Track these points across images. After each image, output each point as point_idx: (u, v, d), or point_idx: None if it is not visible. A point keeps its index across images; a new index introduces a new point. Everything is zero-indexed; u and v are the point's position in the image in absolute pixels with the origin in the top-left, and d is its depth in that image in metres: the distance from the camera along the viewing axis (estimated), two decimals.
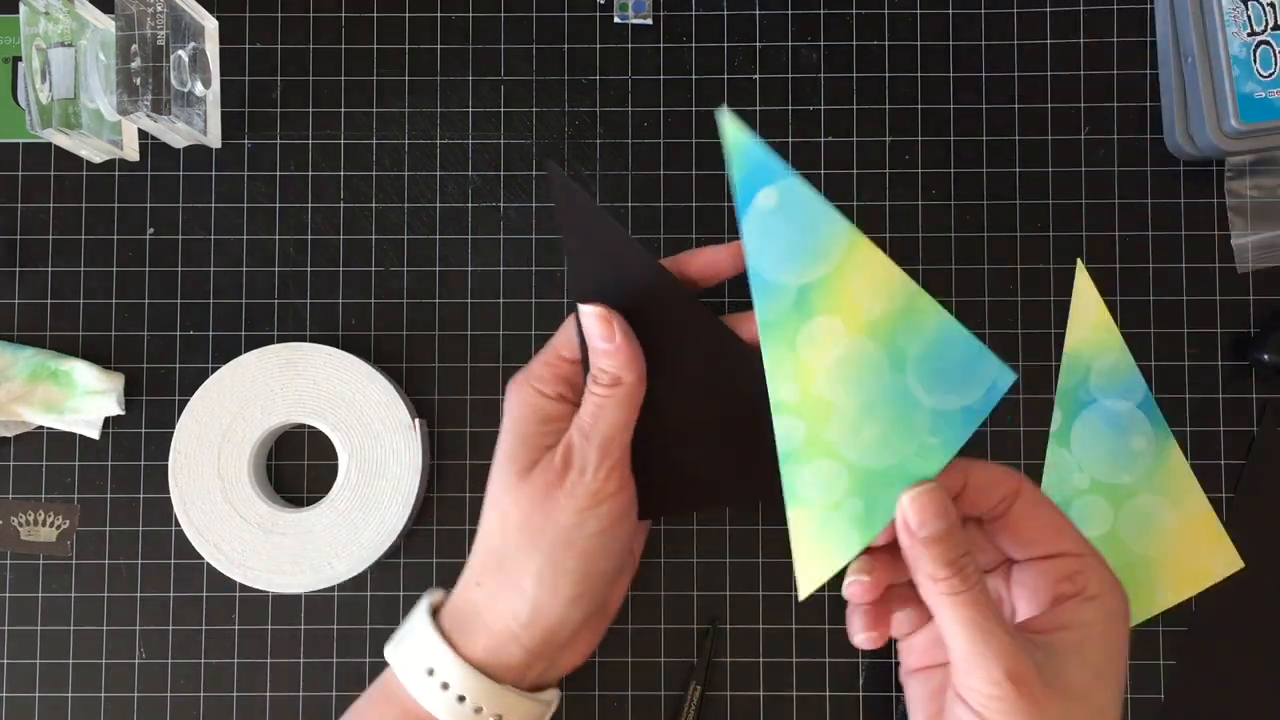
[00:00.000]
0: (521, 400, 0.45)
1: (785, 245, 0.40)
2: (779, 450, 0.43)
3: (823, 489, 0.42)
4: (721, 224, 0.54)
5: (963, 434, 0.41)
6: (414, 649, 0.45)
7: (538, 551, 0.44)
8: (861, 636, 0.42)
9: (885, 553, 0.42)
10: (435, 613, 0.46)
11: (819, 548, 0.42)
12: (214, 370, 0.53)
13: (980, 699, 0.39)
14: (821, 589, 0.53)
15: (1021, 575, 0.44)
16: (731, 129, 0.39)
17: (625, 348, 0.44)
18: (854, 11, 0.55)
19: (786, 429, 0.42)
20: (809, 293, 0.41)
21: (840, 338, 0.41)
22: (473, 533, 0.53)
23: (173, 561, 0.53)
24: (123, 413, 0.53)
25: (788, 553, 0.53)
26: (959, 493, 0.42)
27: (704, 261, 0.47)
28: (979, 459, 0.43)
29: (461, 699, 0.43)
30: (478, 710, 0.43)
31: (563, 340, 0.46)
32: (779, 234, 0.40)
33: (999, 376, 0.41)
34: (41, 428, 0.54)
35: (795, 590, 0.45)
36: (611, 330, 0.44)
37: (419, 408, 0.54)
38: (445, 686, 0.43)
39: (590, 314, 0.44)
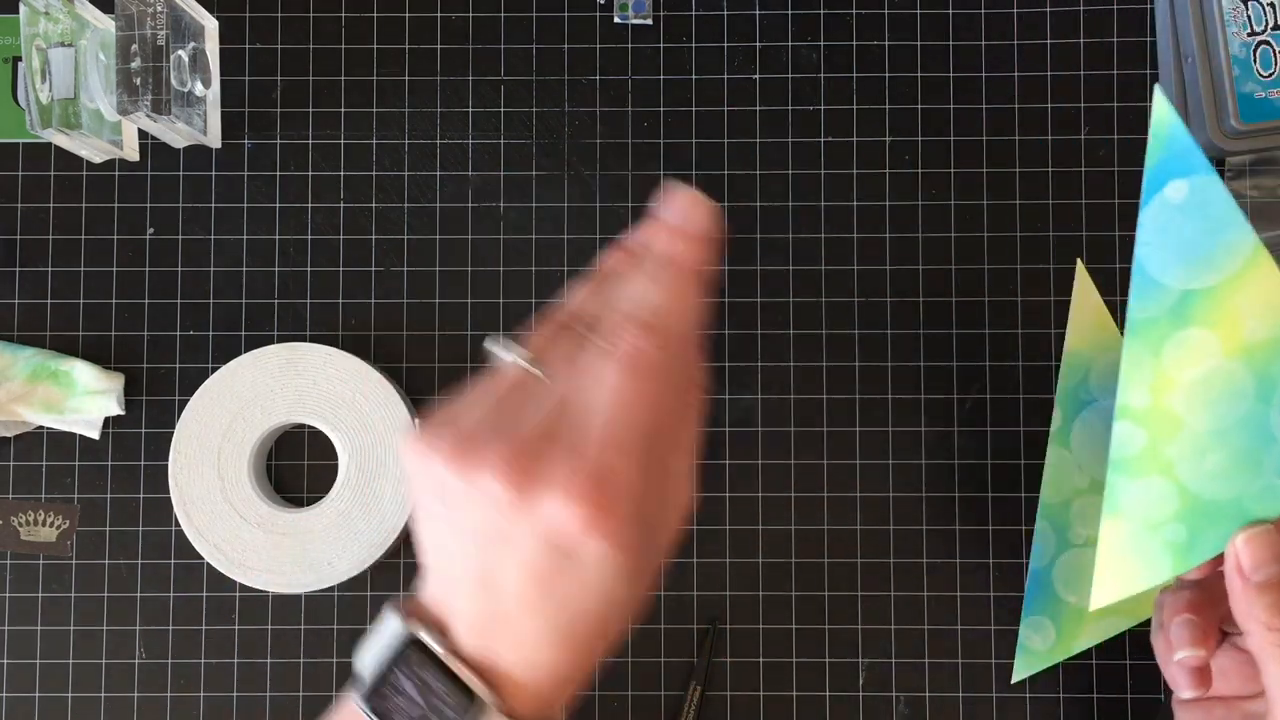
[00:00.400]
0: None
1: (1181, 244, 0.38)
2: (1110, 455, 0.40)
3: (1147, 506, 0.40)
4: (721, 223, 0.54)
5: None
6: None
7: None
8: (1189, 694, 0.41)
9: (1203, 602, 0.41)
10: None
11: (1126, 565, 0.40)
12: (214, 370, 0.53)
13: None
14: (822, 590, 0.53)
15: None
16: (1161, 108, 0.37)
17: None
18: (854, 11, 0.55)
19: (1126, 435, 0.40)
20: (1191, 300, 0.38)
21: (1211, 354, 0.39)
22: None
23: (173, 561, 0.53)
24: (123, 413, 0.53)
25: (788, 553, 0.53)
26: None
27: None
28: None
29: None
30: None
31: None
32: (1178, 231, 0.38)
33: None
34: (41, 428, 0.54)
35: (1089, 599, 0.42)
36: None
37: (419, 408, 0.54)
38: None
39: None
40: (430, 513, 0.38)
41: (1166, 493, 0.39)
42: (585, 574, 0.36)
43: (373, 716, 0.36)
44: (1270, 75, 0.50)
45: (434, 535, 0.39)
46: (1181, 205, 0.37)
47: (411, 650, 0.36)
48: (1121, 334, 0.53)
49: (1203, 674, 0.41)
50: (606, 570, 0.36)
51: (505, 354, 0.39)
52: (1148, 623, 0.52)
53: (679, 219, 0.39)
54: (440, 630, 0.38)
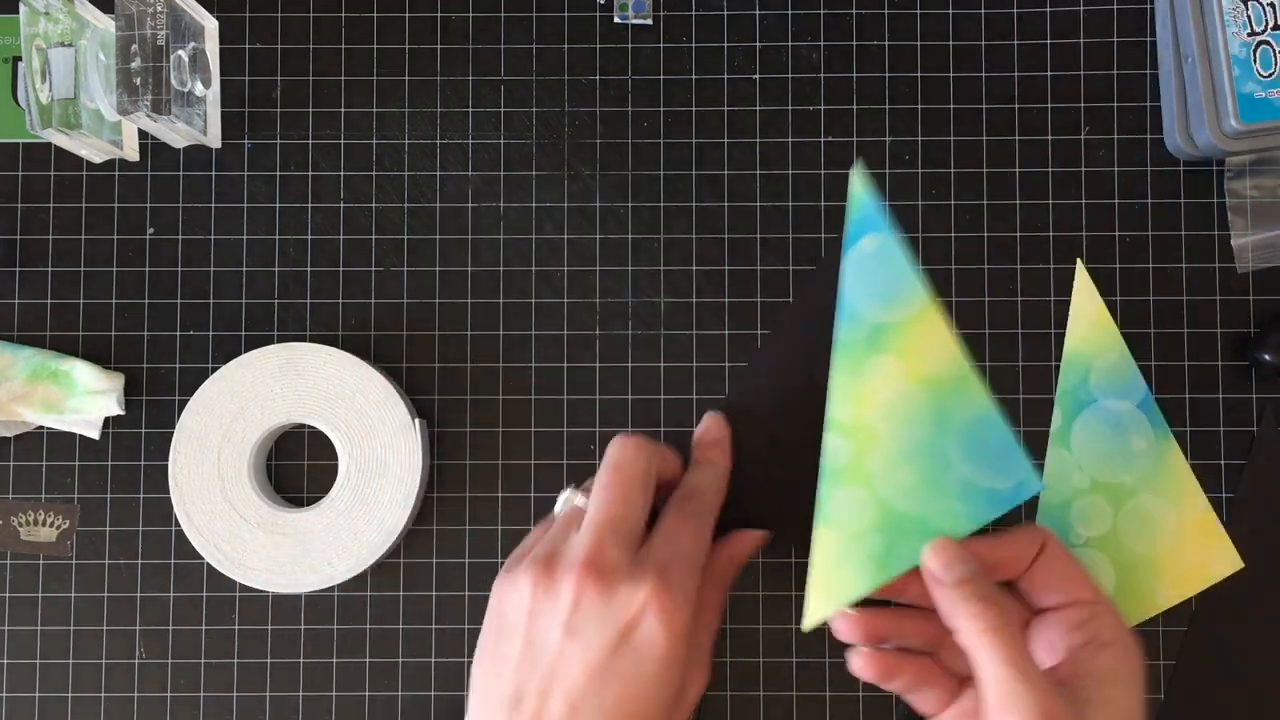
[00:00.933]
0: (686, 631, 0.43)
1: (874, 285, 0.46)
2: (823, 466, 0.46)
3: (851, 516, 0.45)
4: (721, 224, 0.54)
5: (986, 514, 0.45)
6: None
7: None
8: (858, 663, 0.46)
9: (907, 616, 0.46)
10: None
11: (834, 579, 0.45)
12: (214, 370, 0.53)
13: None
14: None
15: (1038, 628, 0.45)
16: (857, 182, 0.46)
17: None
18: (854, 11, 0.55)
19: (835, 447, 0.46)
20: (883, 331, 0.46)
21: (899, 379, 0.45)
22: (473, 532, 0.53)
23: (173, 561, 0.53)
24: (123, 413, 0.53)
25: (788, 553, 0.53)
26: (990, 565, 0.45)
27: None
28: (1004, 530, 0.46)
29: None
30: None
31: (707, 538, 0.47)
32: (872, 274, 0.46)
33: (1029, 479, 0.45)
34: (41, 428, 0.54)
35: (799, 621, 0.47)
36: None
37: (419, 408, 0.54)
38: None
39: None
40: (509, 631, 0.44)
41: (866, 503, 0.45)
42: (639, 663, 0.41)
43: None
44: (1270, 75, 0.50)
45: (504, 656, 0.44)
46: (873, 255, 0.46)
47: None
48: (1122, 334, 0.53)
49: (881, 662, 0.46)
50: (658, 654, 0.42)
51: (565, 502, 0.48)
52: (1147, 623, 0.52)
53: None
54: None
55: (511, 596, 0.44)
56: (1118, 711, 0.42)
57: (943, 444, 0.45)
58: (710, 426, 0.52)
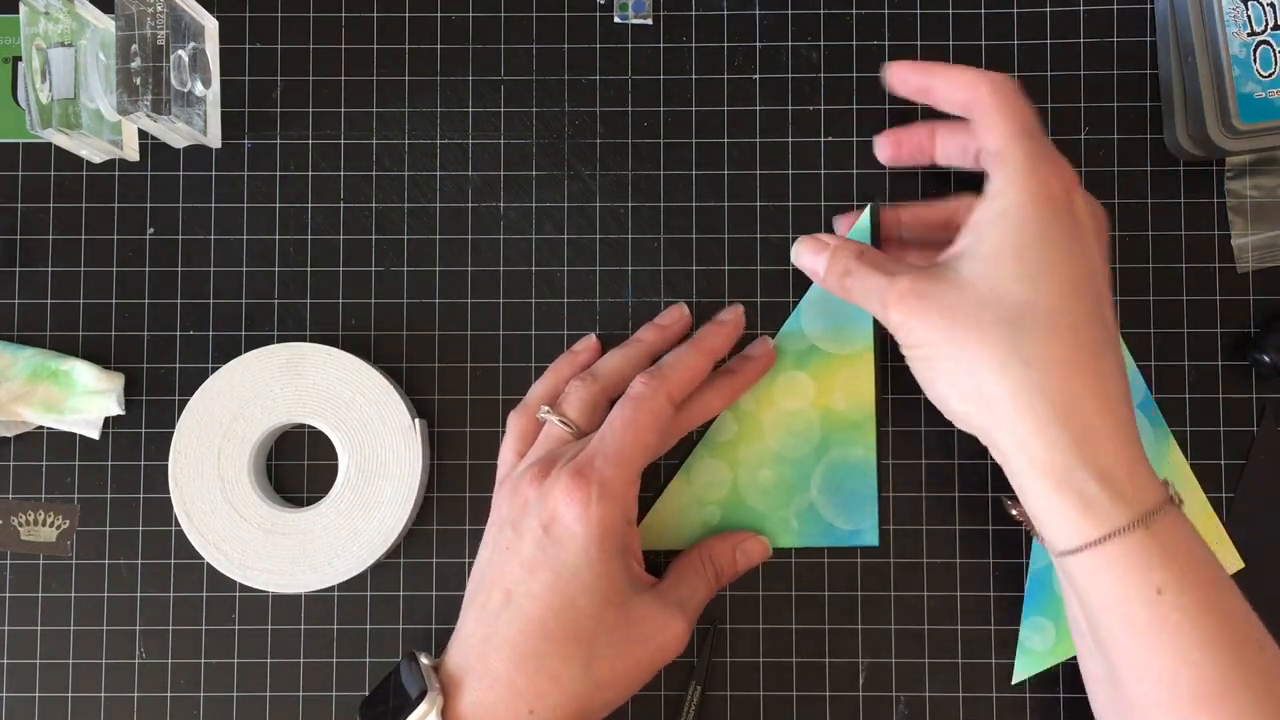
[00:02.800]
0: (608, 530, 0.45)
1: (827, 315, 0.51)
2: (708, 433, 0.52)
3: (706, 483, 0.51)
4: (721, 224, 0.54)
5: (815, 539, 0.51)
6: None
7: (618, 691, 0.45)
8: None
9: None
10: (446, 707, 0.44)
11: (669, 521, 0.51)
12: (214, 370, 0.53)
13: (891, 329, 0.46)
14: (822, 590, 0.53)
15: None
16: (865, 219, 0.50)
17: None
18: (854, 11, 0.55)
19: (725, 423, 0.52)
20: (813, 354, 0.51)
21: (805, 398, 0.51)
22: (474, 533, 0.53)
23: (173, 561, 0.53)
24: (123, 413, 0.53)
25: (788, 552, 0.53)
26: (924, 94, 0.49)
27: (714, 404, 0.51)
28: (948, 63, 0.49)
29: None
30: None
31: (648, 447, 0.47)
32: (830, 304, 0.51)
33: (869, 532, 0.51)
34: (41, 428, 0.54)
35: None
36: None
37: (419, 408, 0.54)
38: None
39: None
40: (487, 539, 0.48)
41: (724, 481, 0.51)
42: (558, 552, 0.44)
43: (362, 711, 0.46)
44: (1270, 75, 0.50)
45: (479, 559, 0.48)
46: None
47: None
48: (1122, 334, 0.53)
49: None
50: (574, 545, 0.44)
51: (546, 417, 0.50)
52: None
53: (727, 318, 0.52)
54: (442, 661, 0.46)
55: (491, 513, 0.49)
56: (984, 258, 0.43)
57: (810, 468, 0.51)
58: (728, 314, 0.52)
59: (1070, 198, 0.44)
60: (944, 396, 0.44)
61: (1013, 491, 0.44)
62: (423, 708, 0.43)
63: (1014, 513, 0.48)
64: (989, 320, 0.42)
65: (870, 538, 0.50)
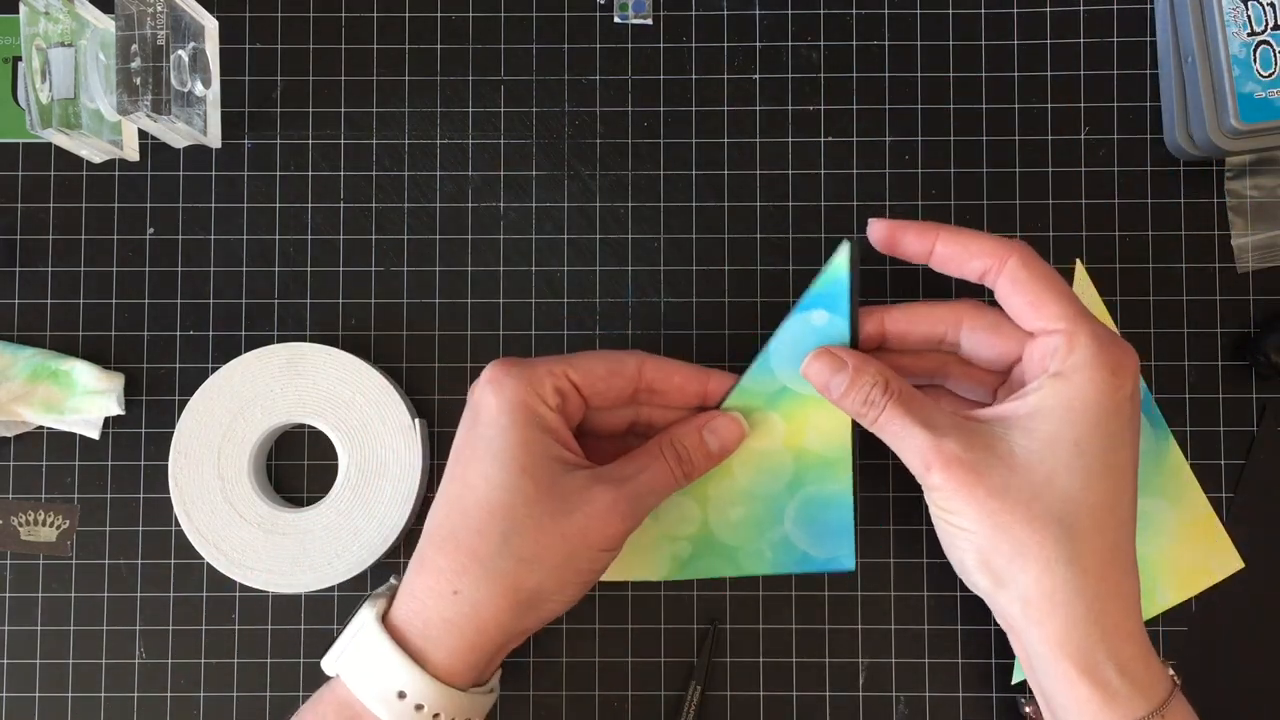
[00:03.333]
0: (519, 402, 0.44)
1: (799, 355, 0.47)
2: None
3: (675, 518, 0.50)
4: (721, 224, 0.54)
5: (790, 567, 0.50)
6: (379, 671, 0.43)
7: (546, 570, 0.43)
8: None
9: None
10: (384, 620, 0.44)
11: (639, 556, 0.50)
12: (214, 370, 0.53)
13: (924, 486, 0.44)
14: (822, 590, 0.53)
15: (1026, 355, 0.45)
16: (842, 256, 0.46)
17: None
18: (854, 11, 0.55)
19: None
20: (784, 395, 0.48)
21: (775, 438, 0.49)
22: None
23: (173, 561, 0.53)
24: (123, 413, 0.53)
25: None
26: (927, 257, 0.45)
27: (678, 382, 0.48)
28: (962, 228, 0.45)
29: (436, 716, 0.43)
30: None
31: (585, 367, 0.46)
32: (803, 345, 0.47)
33: (845, 557, 0.50)
34: (41, 428, 0.54)
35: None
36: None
37: (419, 408, 0.54)
38: (419, 707, 0.43)
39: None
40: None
41: (693, 517, 0.50)
42: (474, 428, 0.44)
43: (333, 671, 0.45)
44: (1270, 75, 0.50)
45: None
46: (817, 329, 0.47)
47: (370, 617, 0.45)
48: (1122, 334, 0.53)
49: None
50: (486, 416, 0.44)
51: None
52: (1147, 624, 0.52)
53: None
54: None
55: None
56: (1049, 431, 0.41)
57: (783, 503, 0.49)
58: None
59: (1135, 383, 0.43)
60: (968, 568, 0.44)
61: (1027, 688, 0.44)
62: (363, 609, 0.45)
63: (1027, 710, 0.50)
64: (1040, 512, 0.41)
65: (847, 563, 0.49)
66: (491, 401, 0.44)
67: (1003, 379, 0.47)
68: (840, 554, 0.49)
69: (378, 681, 0.43)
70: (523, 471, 0.43)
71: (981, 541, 0.42)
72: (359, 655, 0.44)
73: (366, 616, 0.44)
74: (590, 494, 0.44)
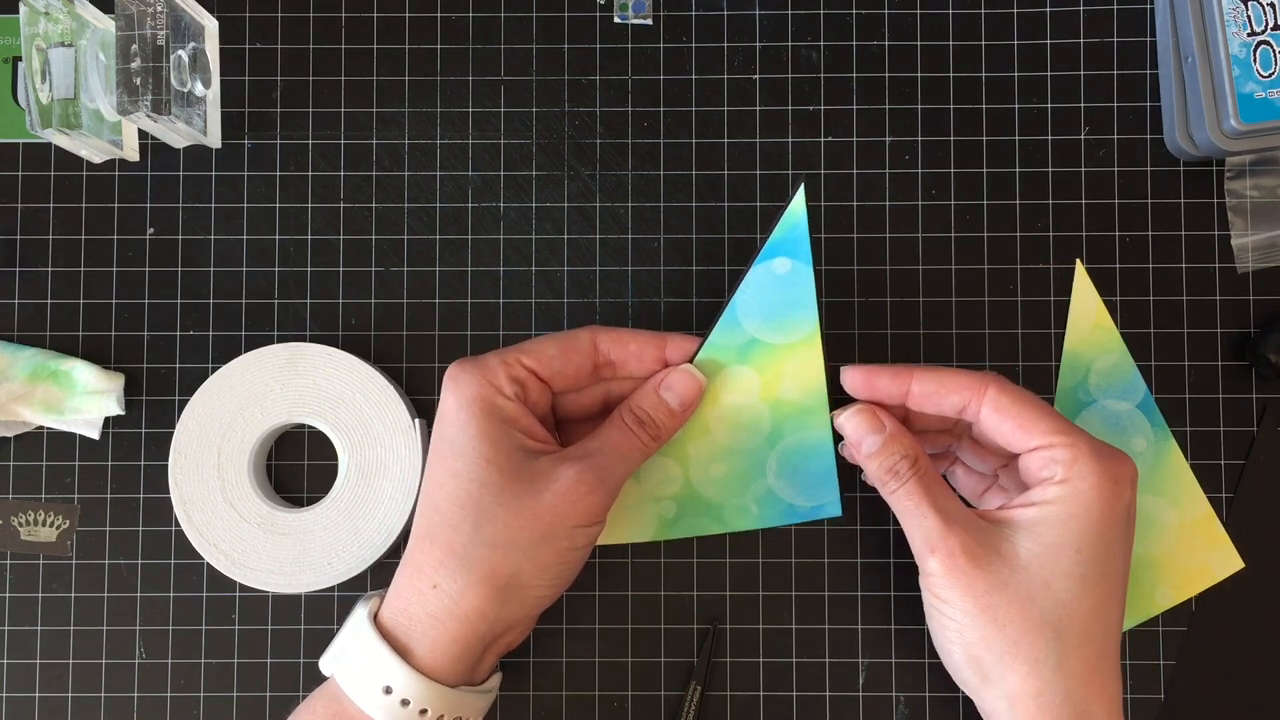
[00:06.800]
0: (475, 396, 0.45)
1: (766, 305, 0.48)
2: None
3: (658, 480, 0.50)
4: (721, 223, 0.54)
5: (777, 520, 0.50)
6: (367, 668, 0.44)
7: (521, 554, 0.44)
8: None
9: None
10: (375, 619, 0.45)
11: (625, 519, 0.50)
12: (214, 370, 0.53)
13: (922, 570, 0.45)
14: (822, 591, 0.53)
15: (1008, 472, 0.48)
16: (799, 201, 0.47)
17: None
18: (854, 11, 0.55)
19: None
20: (755, 347, 0.48)
21: (750, 392, 0.49)
22: None
23: (173, 561, 0.53)
24: (123, 413, 0.53)
25: (788, 553, 0.53)
26: (903, 398, 0.46)
27: (634, 349, 0.48)
28: (934, 366, 0.48)
29: (424, 712, 0.43)
30: (440, 719, 0.44)
31: (538, 351, 0.46)
32: (768, 294, 0.48)
33: (831, 504, 0.49)
34: (41, 428, 0.54)
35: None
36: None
37: (419, 408, 0.54)
38: (405, 703, 0.43)
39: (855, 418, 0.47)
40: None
41: (675, 477, 0.50)
42: (437, 428, 0.45)
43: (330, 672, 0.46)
44: (1270, 75, 0.50)
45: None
46: (780, 277, 0.48)
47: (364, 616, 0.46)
48: (1121, 334, 0.53)
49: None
50: (446, 416, 0.45)
51: None
52: (1147, 623, 0.52)
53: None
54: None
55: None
56: (1052, 538, 0.43)
57: (764, 456, 0.49)
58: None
59: (1134, 493, 0.44)
60: (955, 662, 0.45)
61: None
62: (358, 608, 0.46)
63: None
64: (1034, 614, 0.42)
65: (833, 509, 0.49)
66: (451, 401, 0.45)
67: (1006, 460, 0.48)
68: (826, 501, 0.49)
69: (365, 678, 0.44)
70: (487, 462, 0.44)
71: (972, 636, 0.43)
72: (349, 653, 0.45)
73: (359, 615, 0.45)
74: (556, 473, 0.44)
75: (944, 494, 0.45)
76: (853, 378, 0.47)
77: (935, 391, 0.46)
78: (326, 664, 0.46)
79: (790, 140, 0.54)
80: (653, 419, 0.47)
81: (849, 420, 0.47)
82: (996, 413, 0.45)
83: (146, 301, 0.54)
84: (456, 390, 0.45)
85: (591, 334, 0.47)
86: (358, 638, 0.45)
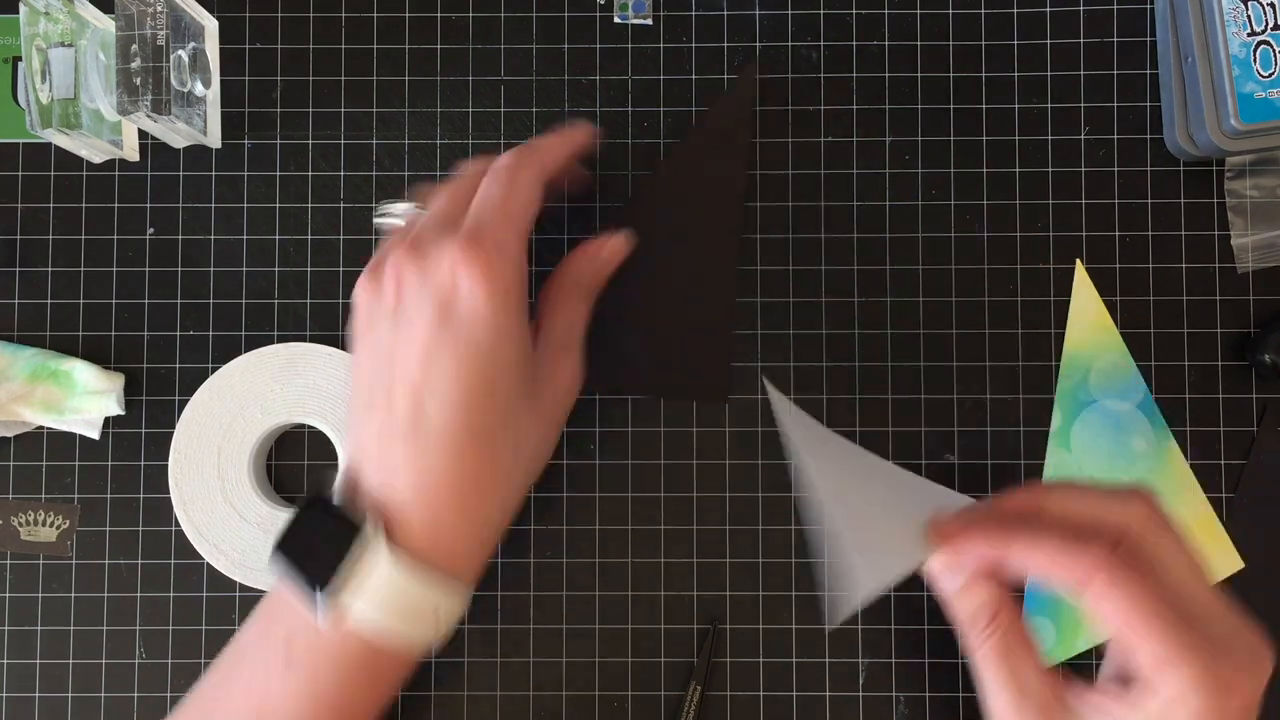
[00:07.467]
0: (513, 291, 0.41)
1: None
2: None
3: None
4: None
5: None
6: (416, 597, 0.40)
7: (540, 461, 0.46)
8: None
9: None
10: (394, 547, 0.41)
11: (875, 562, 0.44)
12: (214, 370, 0.53)
13: None
14: (822, 591, 0.53)
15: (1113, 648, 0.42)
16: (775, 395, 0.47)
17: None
18: (854, 11, 0.55)
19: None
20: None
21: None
22: None
23: (173, 561, 0.53)
24: (123, 413, 0.53)
25: (788, 553, 0.53)
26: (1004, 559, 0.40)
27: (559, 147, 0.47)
28: (1048, 534, 0.40)
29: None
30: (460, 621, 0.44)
31: (524, 209, 0.44)
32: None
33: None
34: (41, 428, 0.54)
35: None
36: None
37: None
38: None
39: None
40: (358, 345, 0.44)
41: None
42: (464, 330, 0.40)
43: (285, 564, 0.41)
44: (1270, 75, 0.50)
45: (358, 368, 0.44)
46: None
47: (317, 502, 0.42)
48: (1121, 334, 0.53)
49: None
50: (480, 314, 0.40)
51: (396, 212, 0.47)
52: None
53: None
54: (353, 488, 0.43)
55: (354, 312, 0.45)
56: None
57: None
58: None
59: (1248, 697, 0.38)
60: None
61: None
62: (368, 531, 0.40)
63: None
64: None
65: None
66: (484, 300, 0.40)
67: None
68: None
69: (419, 616, 0.41)
70: (521, 374, 0.42)
71: None
72: (390, 595, 0.40)
73: (382, 550, 0.40)
74: (558, 368, 0.45)
75: (1024, 661, 0.40)
76: (940, 560, 0.42)
77: (1034, 567, 0.40)
78: (357, 609, 0.40)
79: (790, 140, 0.54)
80: (590, 285, 0.48)
81: (936, 567, 0.42)
82: (1099, 605, 0.38)
83: (146, 301, 0.54)
84: (491, 283, 0.40)
85: (542, 170, 0.46)
86: (414, 581, 0.40)
